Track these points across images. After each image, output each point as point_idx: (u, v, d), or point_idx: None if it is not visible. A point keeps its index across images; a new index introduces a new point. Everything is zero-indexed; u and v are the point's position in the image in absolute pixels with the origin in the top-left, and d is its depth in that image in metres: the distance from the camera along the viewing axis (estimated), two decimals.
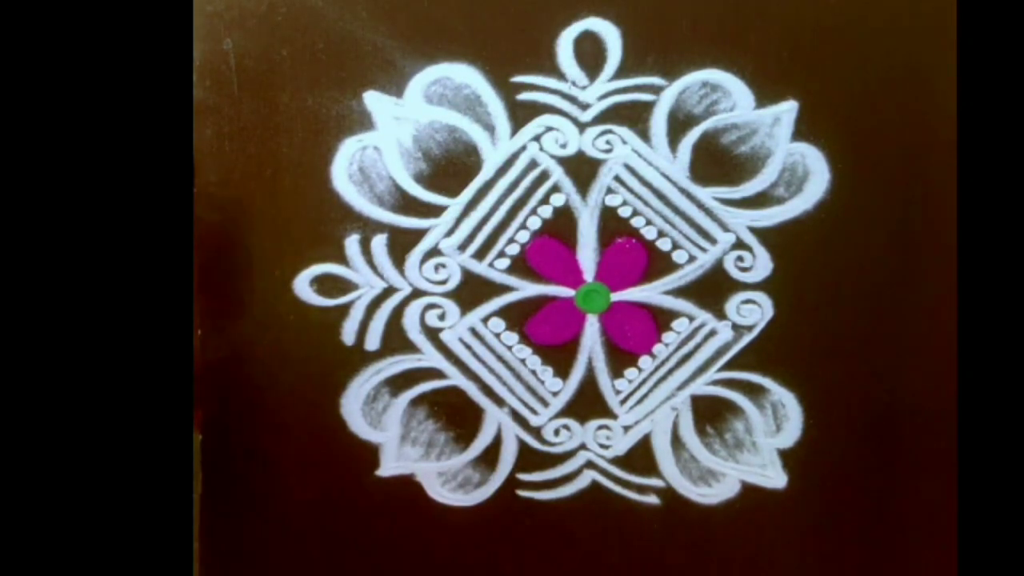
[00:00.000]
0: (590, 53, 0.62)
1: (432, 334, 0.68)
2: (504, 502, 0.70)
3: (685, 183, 0.65)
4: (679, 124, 0.64)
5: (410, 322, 0.67)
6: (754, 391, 0.69)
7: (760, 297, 0.67)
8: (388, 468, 0.70)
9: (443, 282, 0.66)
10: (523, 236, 0.66)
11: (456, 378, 0.69)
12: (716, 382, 0.69)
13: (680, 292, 0.67)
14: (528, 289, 0.67)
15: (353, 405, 0.68)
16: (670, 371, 0.69)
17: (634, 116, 0.64)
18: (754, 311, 0.67)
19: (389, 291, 0.66)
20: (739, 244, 0.66)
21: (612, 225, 0.65)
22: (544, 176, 0.64)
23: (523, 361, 0.68)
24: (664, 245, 0.66)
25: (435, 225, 0.65)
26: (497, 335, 0.68)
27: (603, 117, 0.63)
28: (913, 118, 0.64)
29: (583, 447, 0.70)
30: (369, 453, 0.69)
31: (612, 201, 0.65)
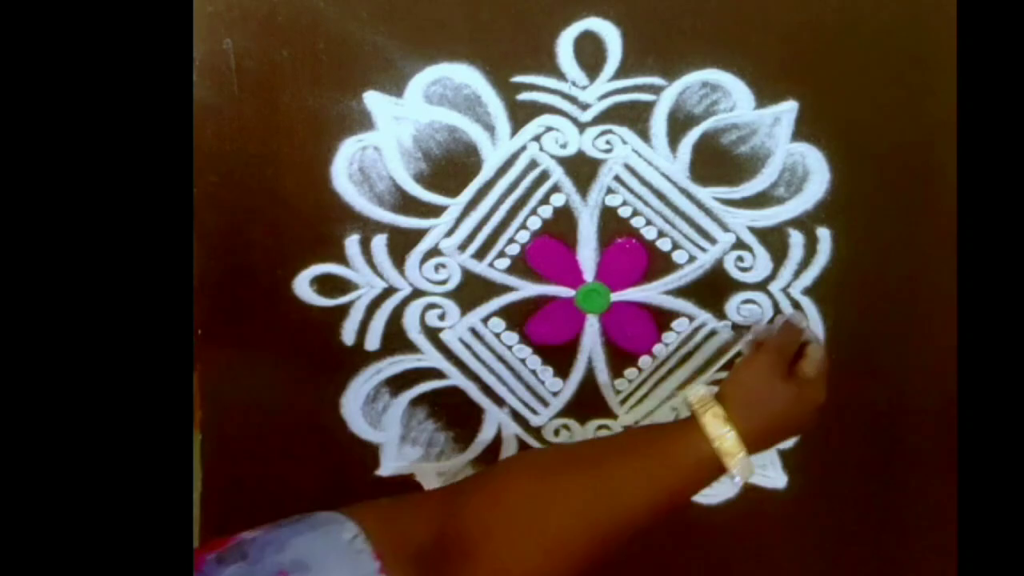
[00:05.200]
0: (590, 53, 0.62)
1: (432, 334, 0.68)
2: None
3: (685, 183, 0.65)
4: (679, 124, 0.64)
5: (410, 322, 0.67)
6: None
7: (760, 297, 0.67)
8: (388, 468, 0.70)
9: (443, 282, 0.66)
10: (523, 236, 0.66)
11: (456, 378, 0.69)
12: (716, 382, 0.69)
13: (680, 292, 0.67)
14: (528, 289, 0.67)
15: (353, 405, 0.68)
16: (670, 371, 0.69)
17: (634, 116, 0.63)
18: (754, 311, 0.67)
19: (389, 291, 0.66)
20: (739, 244, 0.66)
21: (612, 225, 0.65)
22: (544, 176, 0.64)
23: (523, 361, 0.68)
24: (664, 245, 0.66)
25: (435, 225, 0.65)
26: (497, 335, 0.68)
27: (603, 117, 0.63)
28: (913, 118, 0.64)
29: None
30: (369, 453, 0.69)
31: (612, 201, 0.65)
